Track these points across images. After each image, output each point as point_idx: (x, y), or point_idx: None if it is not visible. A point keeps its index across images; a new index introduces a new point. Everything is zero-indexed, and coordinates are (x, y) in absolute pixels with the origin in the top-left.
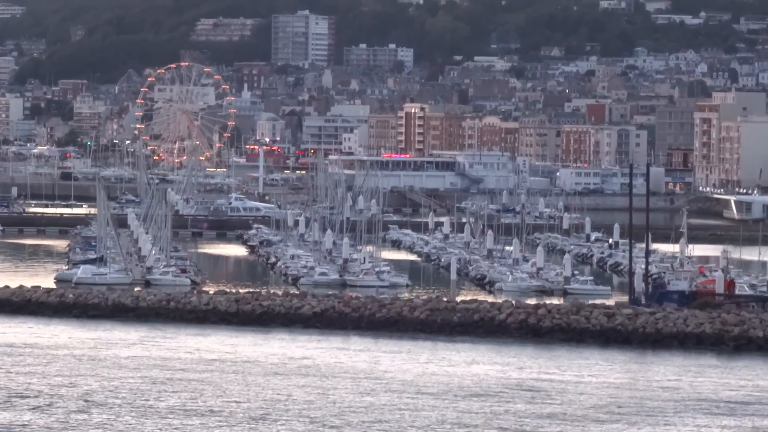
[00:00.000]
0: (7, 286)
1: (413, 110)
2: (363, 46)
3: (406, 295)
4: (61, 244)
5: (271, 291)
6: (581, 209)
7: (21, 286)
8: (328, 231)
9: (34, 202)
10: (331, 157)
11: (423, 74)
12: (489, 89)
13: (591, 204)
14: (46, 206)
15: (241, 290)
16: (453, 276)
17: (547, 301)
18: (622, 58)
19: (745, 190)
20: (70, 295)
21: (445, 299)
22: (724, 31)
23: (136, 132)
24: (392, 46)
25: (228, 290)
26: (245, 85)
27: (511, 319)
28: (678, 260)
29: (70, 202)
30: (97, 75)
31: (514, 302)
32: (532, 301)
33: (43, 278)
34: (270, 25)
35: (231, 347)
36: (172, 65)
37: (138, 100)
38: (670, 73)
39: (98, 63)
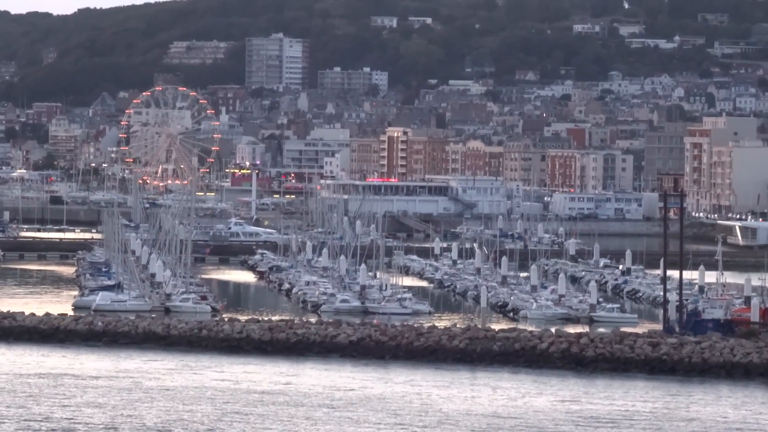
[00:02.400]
0: (33, 314)
1: (396, 134)
2: (337, 69)
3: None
4: (64, 270)
5: (305, 319)
6: (589, 234)
7: (48, 314)
8: (342, 257)
9: (26, 226)
10: (322, 181)
11: (398, 98)
12: (466, 113)
13: (585, 229)
14: (38, 230)
15: (273, 318)
16: (483, 303)
17: (574, 330)
18: (597, 82)
19: (739, 215)
20: (99, 323)
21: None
22: (699, 55)
23: (114, 155)
24: (366, 69)
25: (260, 318)
26: (222, 109)
27: (553, 348)
28: (711, 287)
29: (62, 227)
30: (70, 98)
31: (553, 330)
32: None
33: (58, 305)
34: (244, 48)
35: (278, 376)
36: (146, 92)
37: (121, 135)
38: (647, 98)
39: (71, 86)
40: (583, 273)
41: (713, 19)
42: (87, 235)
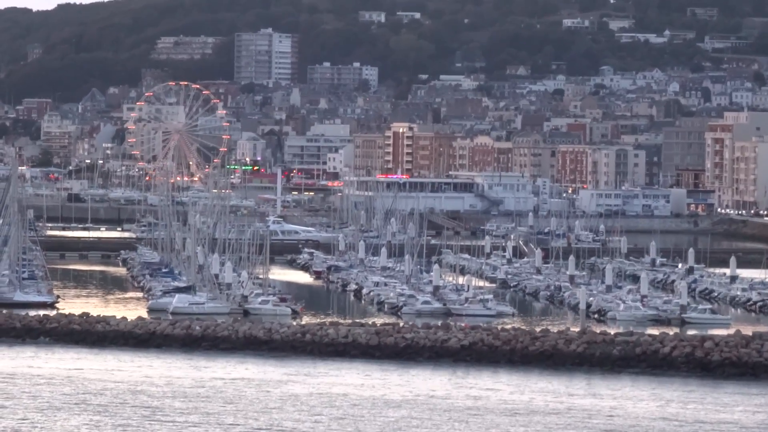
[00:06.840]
0: (125, 318)
1: (402, 130)
2: (327, 64)
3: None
4: (112, 270)
5: (410, 323)
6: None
7: (141, 318)
8: (407, 256)
9: (49, 224)
10: (345, 178)
11: (390, 93)
12: (462, 108)
13: (615, 225)
14: (63, 229)
15: (377, 321)
16: (582, 306)
17: (661, 331)
18: (589, 77)
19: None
20: (197, 327)
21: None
22: (690, 50)
23: (109, 152)
24: (356, 64)
25: (364, 322)
26: (219, 105)
27: (676, 352)
28: None
29: (87, 225)
30: (58, 94)
31: (671, 333)
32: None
33: (131, 307)
34: (232, 43)
35: (403, 384)
36: (150, 92)
37: (129, 126)
38: (642, 92)
39: (58, 82)
40: (644, 272)
41: (703, 13)
42: (113, 234)
